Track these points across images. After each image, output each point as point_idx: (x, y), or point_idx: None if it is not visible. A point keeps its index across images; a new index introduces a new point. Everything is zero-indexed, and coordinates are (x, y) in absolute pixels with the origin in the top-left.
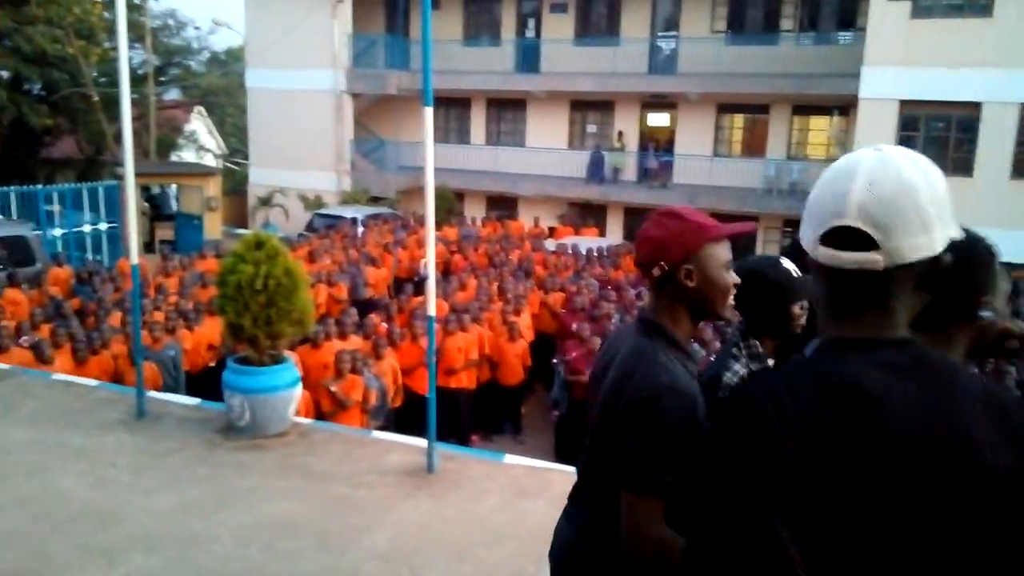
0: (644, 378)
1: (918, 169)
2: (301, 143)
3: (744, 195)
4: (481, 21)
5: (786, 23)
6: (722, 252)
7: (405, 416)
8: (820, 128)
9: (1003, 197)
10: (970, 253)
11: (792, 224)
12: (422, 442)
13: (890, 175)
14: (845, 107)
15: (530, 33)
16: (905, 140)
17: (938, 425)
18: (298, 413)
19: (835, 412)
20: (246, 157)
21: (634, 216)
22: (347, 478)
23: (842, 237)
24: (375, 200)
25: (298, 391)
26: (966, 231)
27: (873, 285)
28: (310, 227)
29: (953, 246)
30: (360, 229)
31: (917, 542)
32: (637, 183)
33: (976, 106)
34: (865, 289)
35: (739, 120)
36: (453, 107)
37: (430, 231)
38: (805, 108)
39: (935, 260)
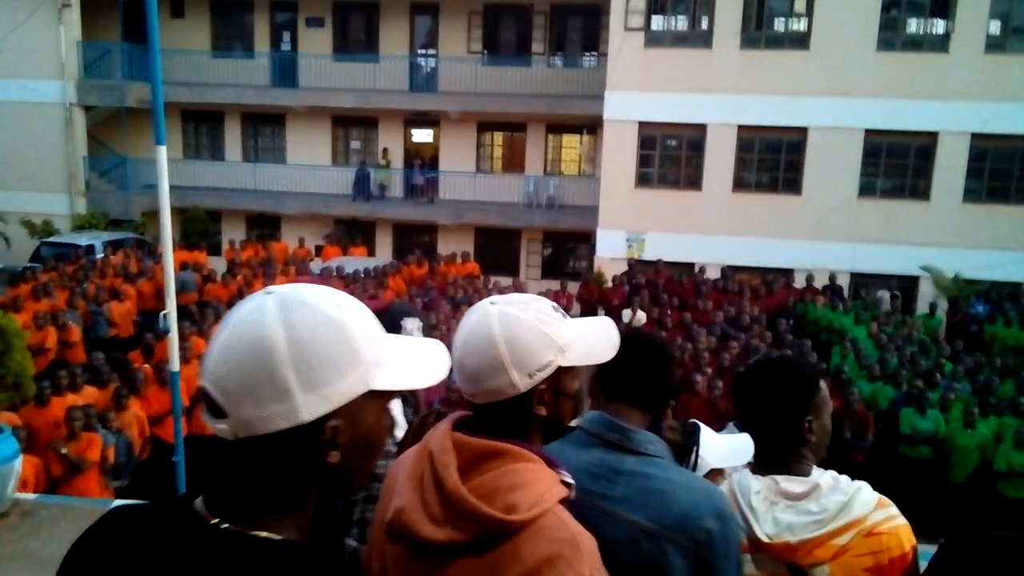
0: None
1: (283, 323)
2: (23, 161)
3: (507, 209)
4: (232, 32)
5: (537, 46)
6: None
7: (155, 469)
8: (572, 146)
9: (726, 209)
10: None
11: (551, 236)
12: None
13: (245, 333)
14: (593, 126)
15: (286, 46)
16: (644, 157)
17: None
18: (25, 483)
19: None
20: None
21: (404, 233)
22: None
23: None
24: (116, 224)
25: (17, 465)
26: None
27: (233, 456)
28: (36, 258)
29: None
30: (99, 257)
31: None
32: (404, 199)
33: (702, 127)
34: (227, 459)
35: (499, 138)
36: (204, 121)
37: (169, 279)
38: (558, 127)
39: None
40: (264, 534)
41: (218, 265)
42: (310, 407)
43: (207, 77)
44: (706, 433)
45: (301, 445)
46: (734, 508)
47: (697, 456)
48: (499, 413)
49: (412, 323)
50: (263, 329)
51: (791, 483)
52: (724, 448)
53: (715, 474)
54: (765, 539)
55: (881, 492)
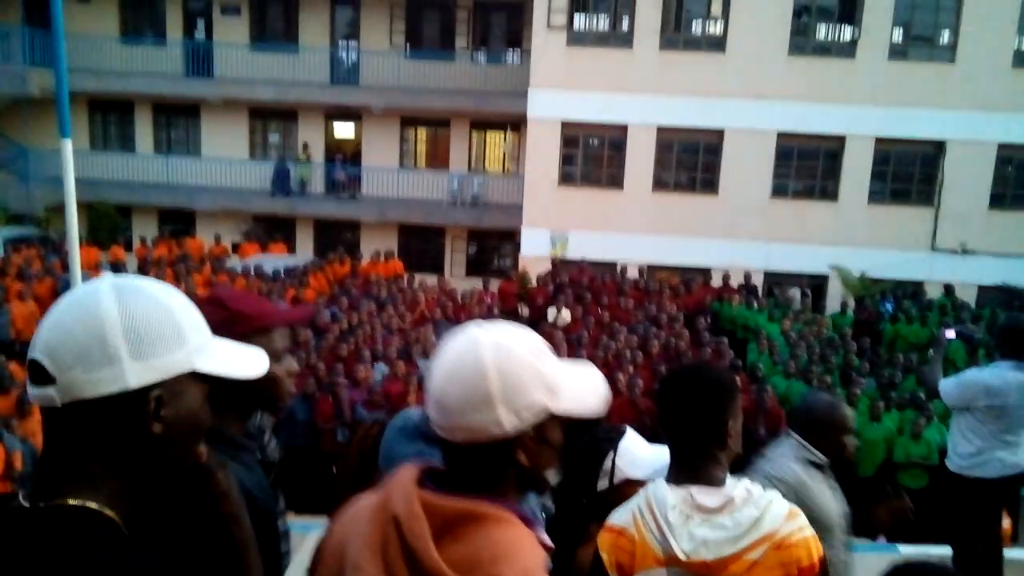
0: None
1: (116, 300)
2: None
3: (431, 207)
4: (141, 17)
5: (460, 41)
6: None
7: None
8: (496, 143)
9: (646, 208)
10: None
11: (475, 234)
12: None
13: (79, 307)
14: (517, 124)
15: (200, 34)
16: (567, 156)
17: None
18: None
19: None
20: None
21: (325, 230)
22: None
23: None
24: (17, 219)
25: None
26: None
27: (56, 430)
28: None
29: None
30: None
31: None
32: (325, 195)
33: (623, 128)
34: (50, 437)
35: (423, 133)
36: (113, 112)
37: (76, 279)
38: (482, 124)
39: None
40: (73, 501)
41: (129, 263)
42: (137, 374)
43: (116, 65)
44: (631, 441)
45: (125, 413)
46: (650, 521)
47: (613, 464)
48: (475, 457)
49: None
50: (98, 302)
51: (706, 496)
52: (649, 458)
53: (634, 485)
54: (682, 556)
55: None
